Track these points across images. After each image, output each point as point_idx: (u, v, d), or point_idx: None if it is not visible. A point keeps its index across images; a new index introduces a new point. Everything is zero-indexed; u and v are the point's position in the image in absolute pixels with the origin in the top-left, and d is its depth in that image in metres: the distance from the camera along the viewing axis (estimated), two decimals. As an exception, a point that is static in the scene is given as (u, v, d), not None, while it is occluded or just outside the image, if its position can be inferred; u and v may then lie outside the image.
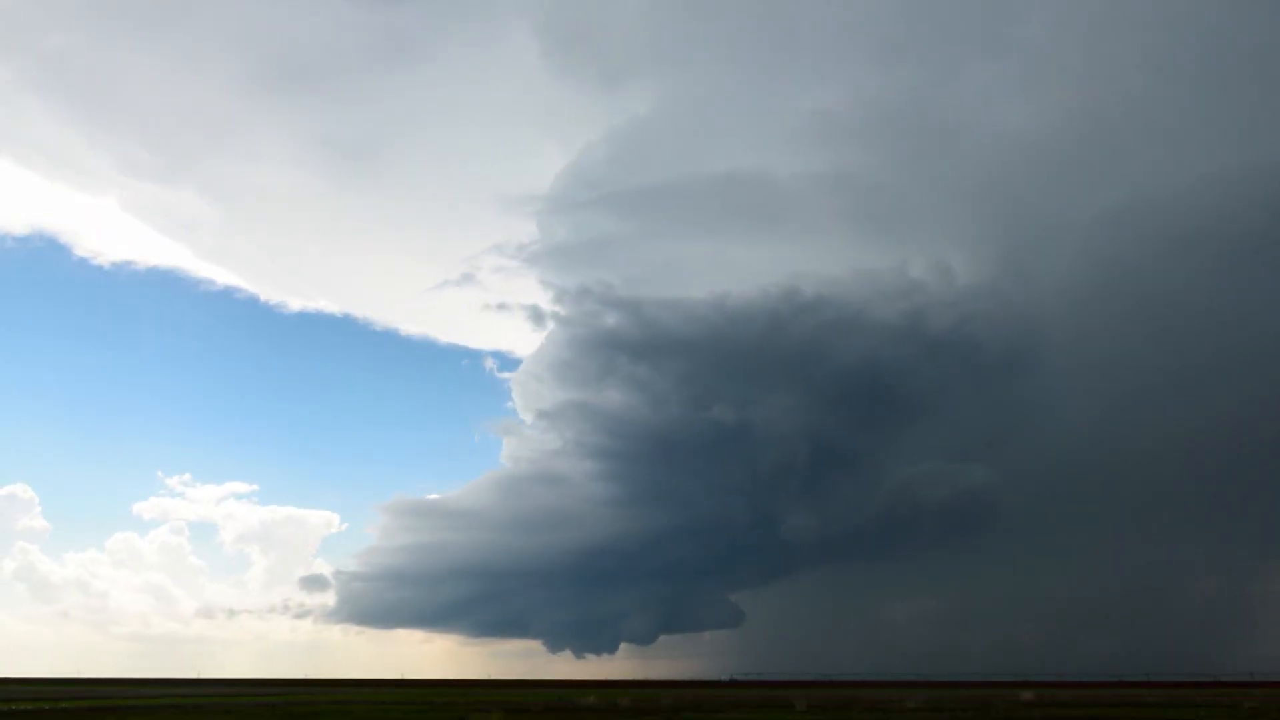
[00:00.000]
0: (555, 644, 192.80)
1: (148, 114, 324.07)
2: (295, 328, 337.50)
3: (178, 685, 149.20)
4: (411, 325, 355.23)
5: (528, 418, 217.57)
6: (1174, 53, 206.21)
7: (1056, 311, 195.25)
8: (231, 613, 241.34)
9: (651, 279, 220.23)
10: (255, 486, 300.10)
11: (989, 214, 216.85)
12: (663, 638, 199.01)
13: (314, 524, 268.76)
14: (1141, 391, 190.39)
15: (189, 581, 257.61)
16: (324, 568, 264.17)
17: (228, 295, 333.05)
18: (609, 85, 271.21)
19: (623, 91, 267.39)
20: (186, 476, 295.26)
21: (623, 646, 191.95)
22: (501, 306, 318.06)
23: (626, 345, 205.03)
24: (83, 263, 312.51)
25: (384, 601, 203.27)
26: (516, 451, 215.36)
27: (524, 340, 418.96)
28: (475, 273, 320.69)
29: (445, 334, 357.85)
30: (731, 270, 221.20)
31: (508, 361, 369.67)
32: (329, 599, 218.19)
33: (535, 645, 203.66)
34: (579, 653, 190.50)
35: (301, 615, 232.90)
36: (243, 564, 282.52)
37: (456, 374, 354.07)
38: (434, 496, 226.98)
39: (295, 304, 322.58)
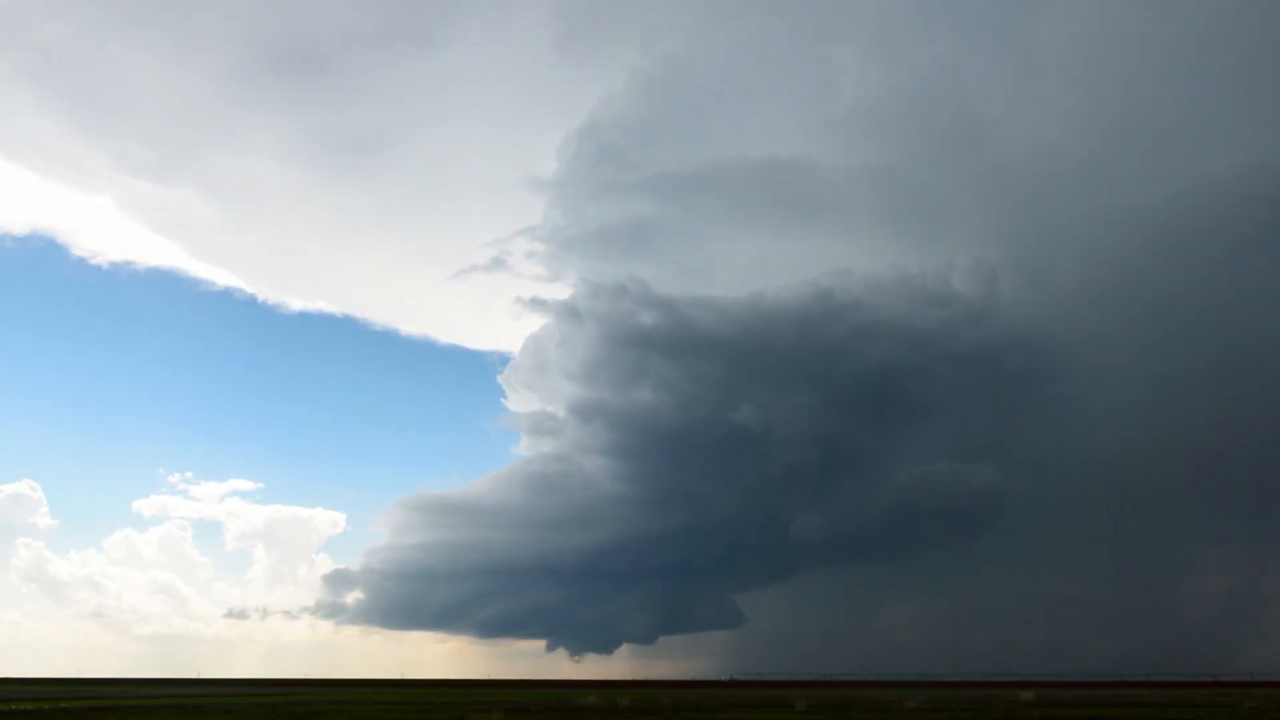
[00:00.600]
0: (558, 644, 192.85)
1: (144, 108, 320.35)
2: (296, 327, 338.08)
3: (178, 685, 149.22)
4: (412, 325, 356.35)
5: (531, 416, 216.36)
6: (1202, 51, 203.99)
7: (1065, 312, 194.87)
8: (236, 612, 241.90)
9: (681, 272, 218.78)
10: (261, 485, 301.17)
11: (1012, 215, 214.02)
12: (664, 638, 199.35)
13: (319, 523, 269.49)
14: (1150, 390, 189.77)
15: (194, 581, 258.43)
16: (330, 567, 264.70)
17: (227, 295, 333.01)
18: (633, 71, 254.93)
19: (647, 75, 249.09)
20: (189, 475, 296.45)
21: (624, 646, 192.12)
22: (521, 300, 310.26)
23: (648, 342, 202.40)
24: (81, 262, 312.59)
25: (389, 601, 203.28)
26: (524, 450, 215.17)
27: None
28: (476, 270, 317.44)
29: (446, 333, 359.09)
30: (766, 265, 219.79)
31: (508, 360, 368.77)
32: (334, 599, 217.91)
33: (537, 645, 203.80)
34: (581, 652, 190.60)
35: (301, 615, 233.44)
36: (247, 563, 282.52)
37: (458, 374, 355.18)
38: (440, 494, 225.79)
39: (295, 304, 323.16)
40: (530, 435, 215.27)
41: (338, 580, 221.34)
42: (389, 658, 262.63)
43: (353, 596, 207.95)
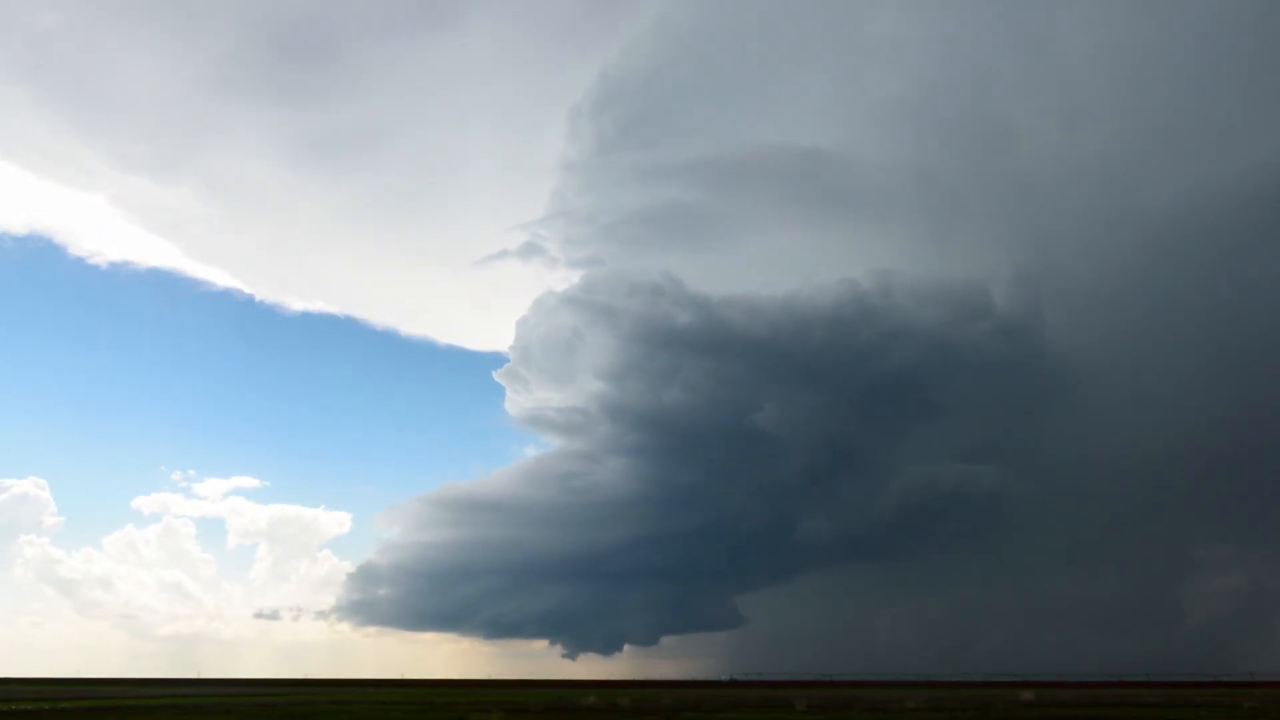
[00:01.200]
0: (562, 644, 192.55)
1: (139, 103, 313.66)
2: (296, 327, 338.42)
3: (178, 685, 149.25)
4: (412, 325, 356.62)
5: (536, 414, 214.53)
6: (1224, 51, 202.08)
7: (1075, 314, 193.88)
8: (241, 612, 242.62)
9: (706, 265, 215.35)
10: (266, 484, 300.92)
11: (1040, 218, 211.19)
12: (666, 638, 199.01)
13: (323, 523, 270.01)
14: (1158, 390, 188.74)
15: (200, 580, 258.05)
16: (334, 567, 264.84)
17: (227, 295, 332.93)
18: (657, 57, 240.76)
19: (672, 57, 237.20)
20: (193, 474, 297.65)
21: (626, 647, 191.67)
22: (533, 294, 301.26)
23: (676, 342, 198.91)
24: (79, 262, 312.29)
25: (391, 602, 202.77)
26: (532, 448, 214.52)
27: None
28: (478, 267, 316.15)
29: (446, 333, 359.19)
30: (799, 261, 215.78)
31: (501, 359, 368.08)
32: (339, 599, 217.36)
33: (541, 645, 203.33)
34: (585, 652, 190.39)
35: (305, 615, 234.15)
36: (250, 562, 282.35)
37: (459, 373, 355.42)
38: (442, 493, 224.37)
39: (296, 304, 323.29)
40: (540, 433, 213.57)
41: (341, 580, 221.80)
42: (392, 658, 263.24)
43: (356, 596, 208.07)
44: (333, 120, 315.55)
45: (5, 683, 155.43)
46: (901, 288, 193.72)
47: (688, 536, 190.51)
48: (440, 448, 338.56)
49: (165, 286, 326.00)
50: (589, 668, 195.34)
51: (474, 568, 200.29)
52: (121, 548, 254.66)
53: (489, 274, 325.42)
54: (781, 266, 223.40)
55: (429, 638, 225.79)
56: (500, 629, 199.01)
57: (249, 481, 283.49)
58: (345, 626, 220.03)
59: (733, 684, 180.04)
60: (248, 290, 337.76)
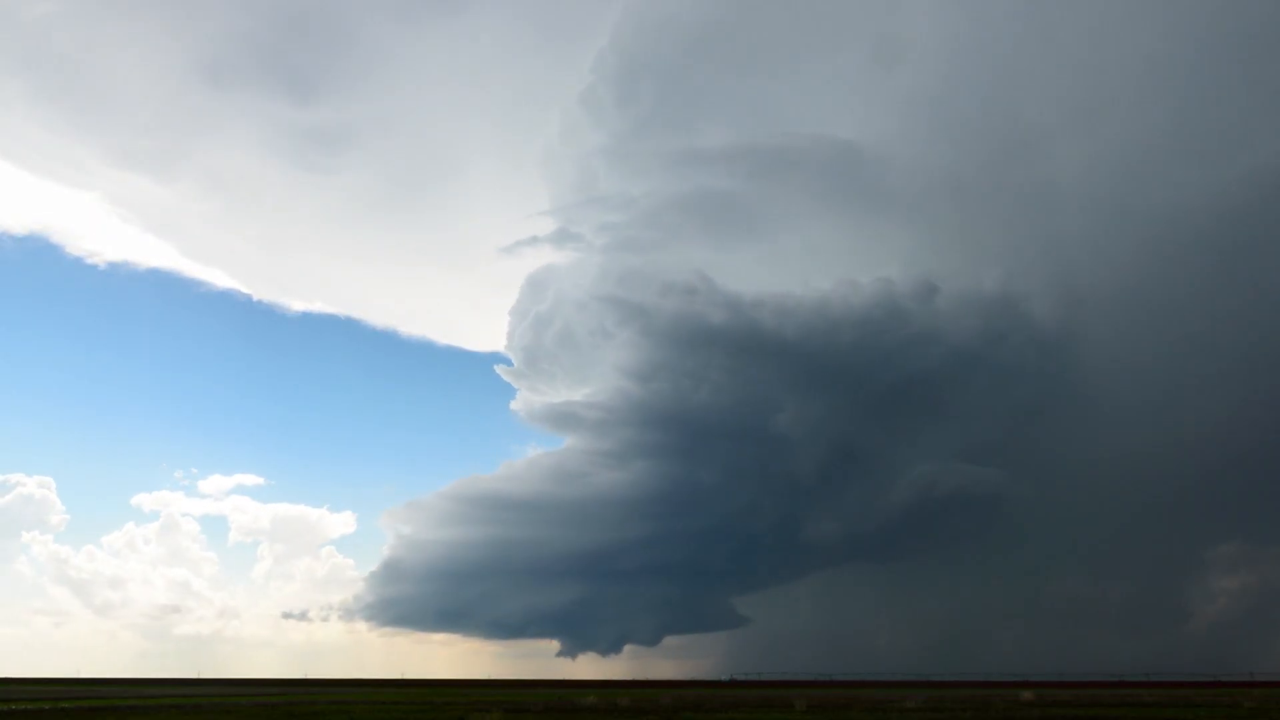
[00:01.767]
0: (566, 644, 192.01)
1: (133, 98, 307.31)
2: (297, 328, 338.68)
3: (178, 685, 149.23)
4: (412, 325, 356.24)
5: (546, 409, 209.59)
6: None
7: (1087, 314, 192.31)
8: (246, 612, 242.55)
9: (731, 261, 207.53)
10: (270, 482, 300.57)
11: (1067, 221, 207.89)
12: (669, 638, 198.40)
13: (327, 523, 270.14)
14: (1166, 390, 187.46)
15: (205, 580, 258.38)
16: (338, 566, 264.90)
17: (227, 296, 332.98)
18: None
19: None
20: (196, 473, 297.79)
21: (629, 647, 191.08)
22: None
23: (703, 340, 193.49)
24: (78, 262, 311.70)
25: (399, 602, 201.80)
26: (539, 446, 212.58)
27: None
28: (482, 265, 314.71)
29: (447, 333, 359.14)
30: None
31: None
32: (345, 599, 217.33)
33: (546, 645, 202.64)
34: (588, 652, 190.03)
35: (311, 616, 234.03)
36: (255, 561, 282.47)
37: (460, 374, 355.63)
38: (445, 492, 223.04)
39: (297, 304, 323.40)
40: (547, 430, 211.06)
41: (344, 580, 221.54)
42: (398, 658, 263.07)
43: (365, 597, 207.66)
44: (330, 115, 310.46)
45: (5, 683, 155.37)
46: (933, 290, 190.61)
47: (693, 536, 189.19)
48: (440, 448, 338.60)
49: (164, 287, 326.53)
50: (591, 667, 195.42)
51: (479, 567, 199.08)
52: (123, 546, 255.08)
53: (488, 273, 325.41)
54: (815, 262, 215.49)
55: (435, 638, 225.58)
56: (505, 629, 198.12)
57: (251, 480, 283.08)
58: (351, 626, 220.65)
59: (733, 684, 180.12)
60: (246, 290, 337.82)
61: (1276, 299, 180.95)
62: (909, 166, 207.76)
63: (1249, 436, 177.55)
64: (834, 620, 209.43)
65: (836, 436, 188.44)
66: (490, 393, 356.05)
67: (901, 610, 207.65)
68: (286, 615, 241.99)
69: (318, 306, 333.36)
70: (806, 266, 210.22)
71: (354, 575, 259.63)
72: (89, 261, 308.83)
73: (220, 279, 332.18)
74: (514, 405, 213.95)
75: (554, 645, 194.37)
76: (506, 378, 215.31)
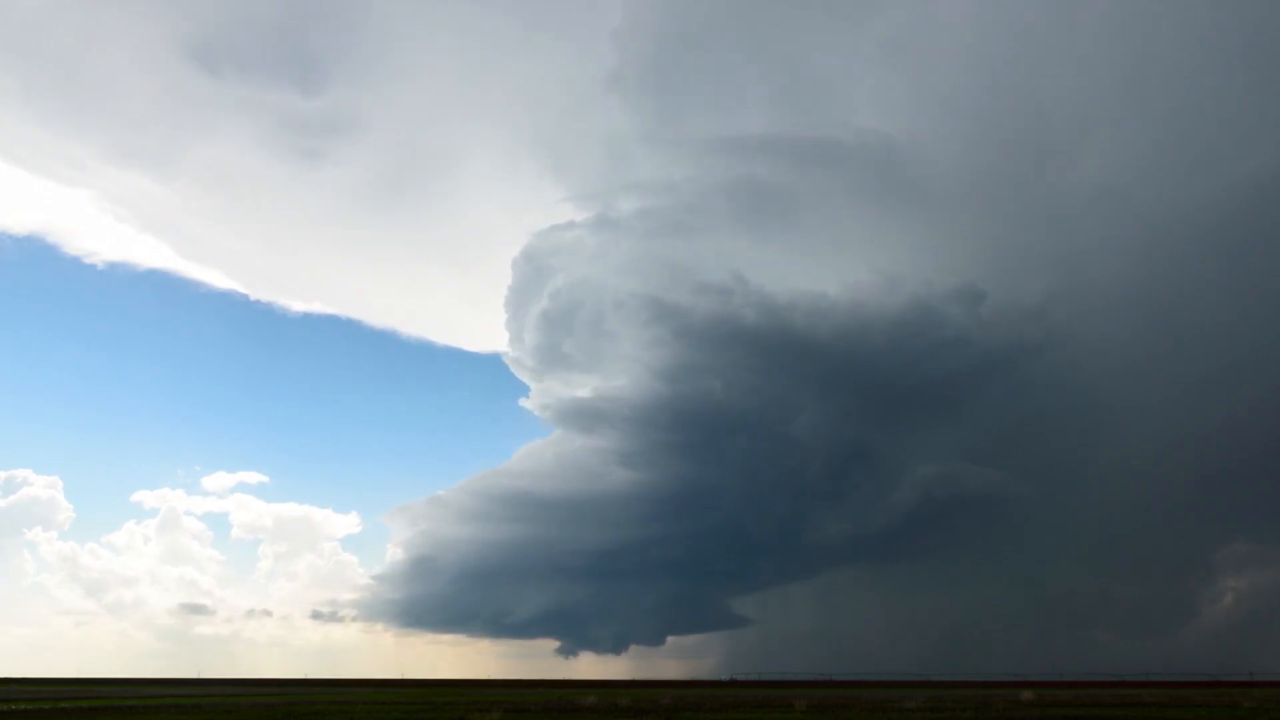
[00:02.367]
0: (569, 644, 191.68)
1: (129, 93, 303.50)
2: (298, 328, 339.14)
3: (178, 685, 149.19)
4: (411, 325, 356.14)
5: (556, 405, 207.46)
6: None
7: (1093, 308, 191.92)
8: (248, 611, 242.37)
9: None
10: (275, 482, 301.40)
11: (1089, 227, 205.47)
12: (671, 638, 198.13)
13: (335, 525, 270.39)
14: (1172, 391, 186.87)
15: (208, 579, 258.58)
16: (344, 567, 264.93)
17: (226, 297, 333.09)
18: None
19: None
20: (201, 474, 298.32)
21: (632, 646, 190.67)
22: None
23: (727, 339, 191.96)
24: (75, 261, 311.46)
25: (400, 602, 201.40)
26: (537, 446, 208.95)
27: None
28: (483, 264, 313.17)
29: (448, 334, 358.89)
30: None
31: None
32: (350, 599, 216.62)
33: (547, 645, 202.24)
34: (590, 652, 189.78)
35: (312, 616, 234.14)
36: (260, 561, 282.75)
37: (462, 374, 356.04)
38: (449, 492, 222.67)
39: (297, 305, 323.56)
40: (557, 426, 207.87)
41: (347, 580, 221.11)
42: (397, 658, 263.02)
43: (370, 598, 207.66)
44: (329, 109, 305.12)
45: (5, 683, 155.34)
46: (960, 294, 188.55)
47: (698, 536, 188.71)
48: (442, 448, 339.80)
49: (163, 287, 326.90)
50: (593, 667, 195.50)
51: (483, 567, 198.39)
52: (125, 544, 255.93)
53: (488, 271, 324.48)
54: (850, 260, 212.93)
55: (439, 638, 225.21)
56: (510, 629, 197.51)
57: (254, 477, 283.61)
58: (352, 626, 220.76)
59: (733, 684, 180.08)
60: (243, 290, 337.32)
61: None
62: (938, 165, 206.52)
63: (1257, 436, 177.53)
64: (838, 620, 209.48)
65: (847, 437, 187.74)
66: (493, 391, 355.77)
67: (907, 611, 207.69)
68: (288, 615, 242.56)
69: (316, 307, 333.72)
70: (835, 262, 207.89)
71: (356, 575, 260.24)
72: (87, 261, 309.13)
73: (217, 278, 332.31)
74: (530, 402, 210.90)
75: (554, 645, 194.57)
76: (516, 370, 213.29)
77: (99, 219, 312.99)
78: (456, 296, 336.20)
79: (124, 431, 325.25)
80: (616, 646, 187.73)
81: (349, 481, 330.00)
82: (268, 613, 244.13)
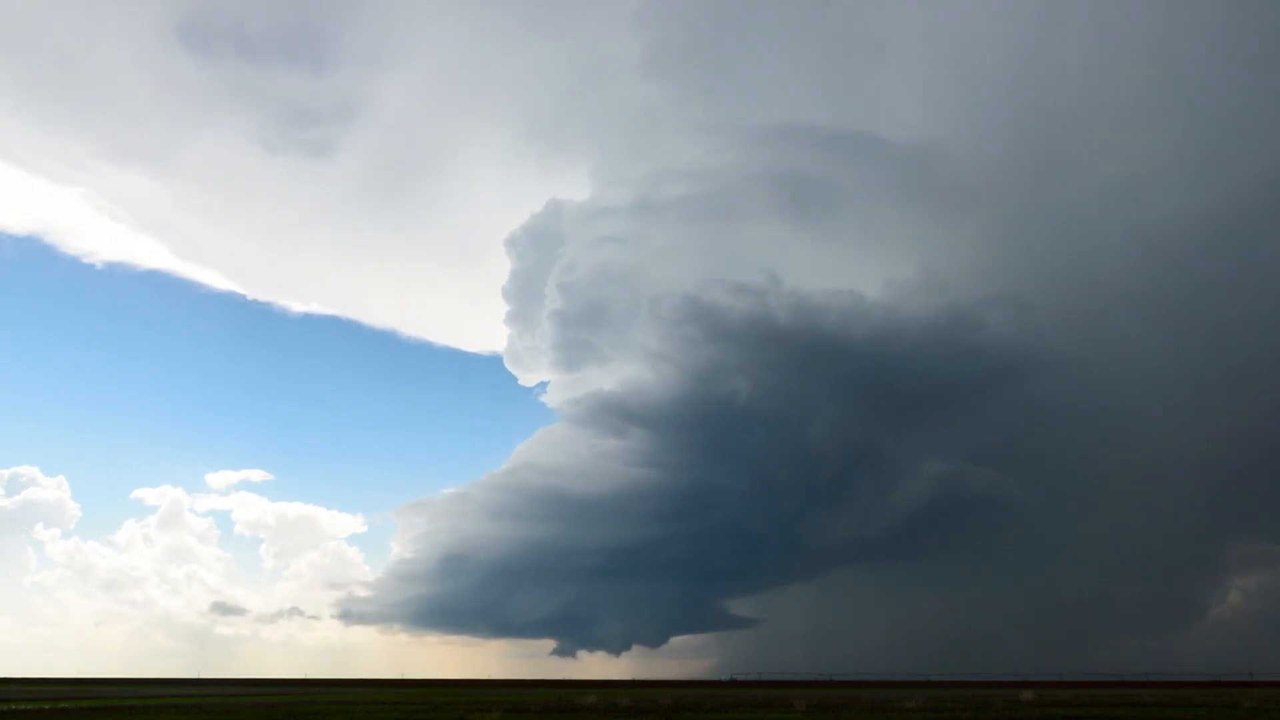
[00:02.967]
0: (566, 644, 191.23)
1: (123, 89, 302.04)
2: (298, 329, 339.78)
3: (178, 685, 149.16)
4: (410, 326, 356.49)
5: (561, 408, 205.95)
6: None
7: (1101, 319, 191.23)
8: (250, 610, 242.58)
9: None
10: (278, 482, 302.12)
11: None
12: (673, 638, 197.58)
13: (339, 525, 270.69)
14: (1176, 393, 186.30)
15: (213, 579, 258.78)
16: (349, 567, 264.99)
17: (226, 298, 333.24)
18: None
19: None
20: (205, 474, 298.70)
21: (633, 646, 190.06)
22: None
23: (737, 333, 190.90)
24: (74, 261, 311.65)
25: (401, 603, 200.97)
26: (541, 445, 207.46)
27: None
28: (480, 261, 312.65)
29: (447, 334, 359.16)
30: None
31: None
32: (356, 600, 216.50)
33: (543, 645, 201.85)
34: (593, 652, 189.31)
35: (320, 615, 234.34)
36: (264, 560, 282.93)
37: (462, 374, 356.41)
38: (451, 491, 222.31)
39: (296, 306, 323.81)
40: (573, 422, 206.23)
41: (350, 580, 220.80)
42: (398, 658, 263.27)
43: (374, 597, 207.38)
44: (326, 102, 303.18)
45: (4, 683, 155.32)
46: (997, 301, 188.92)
47: (702, 536, 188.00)
48: (442, 448, 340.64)
49: (162, 287, 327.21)
50: (595, 667, 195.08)
51: (486, 567, 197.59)
52: (127, 543, 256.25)
53: (486, 271, 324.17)
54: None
55: (440, 639, 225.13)
56: (514, 629, 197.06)
57: (257, 476, 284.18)
58: (351, 626, 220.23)
59: (733, 684, 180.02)
60: (241, 290, 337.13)
61: None
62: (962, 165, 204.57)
63: (1266, 436, 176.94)
64: (839, 621, 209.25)
65: (858, 439, 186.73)
66: (495, 390, 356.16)
67: (912, 610, 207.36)
68: (286, 615, 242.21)
69: (315, 308, 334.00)
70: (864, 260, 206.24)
71: (357, 575, 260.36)
72: (85, 261, 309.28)
73: (214, 279, 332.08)
74: (548, 397, 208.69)
75: (557, 645, 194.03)
76: (514, 365, 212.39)
77: (98, 219, 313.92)
78: (457, 296, 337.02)
79: (126, 431, 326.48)
80: (620, 646, 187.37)
81: (350, 481, 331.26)
82: (266, 612, 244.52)
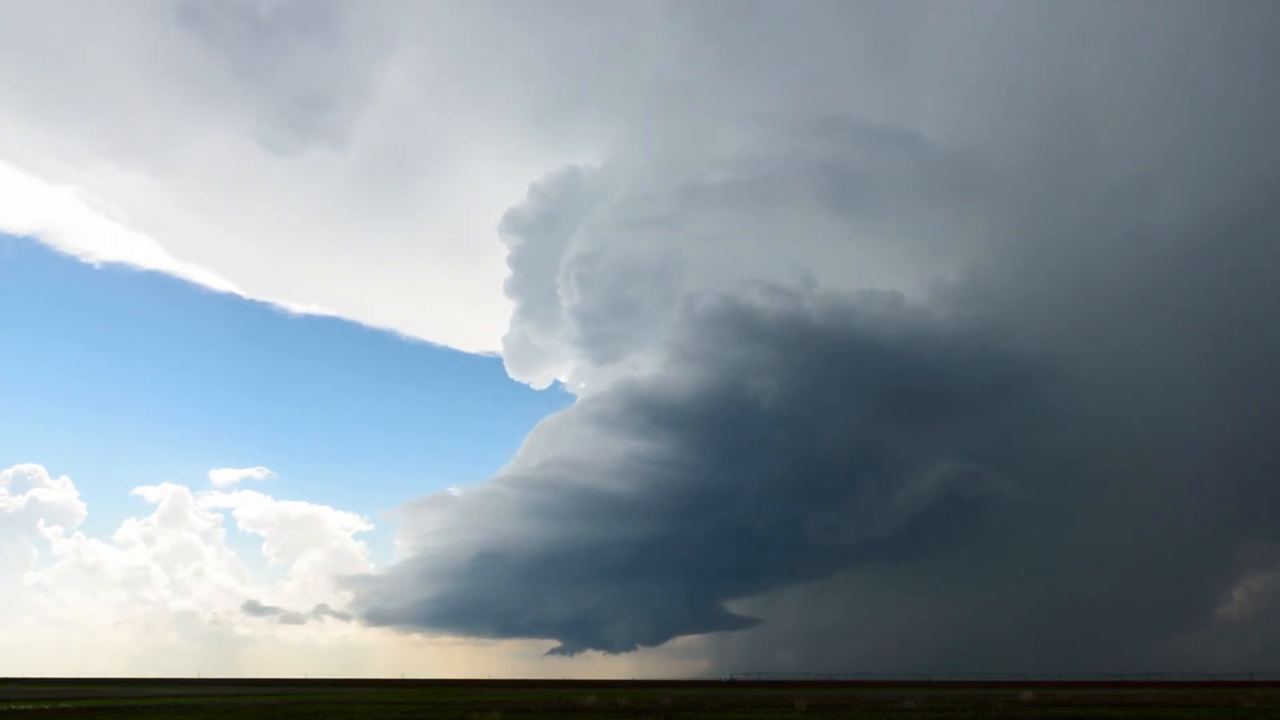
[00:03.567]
0: (568, 644, 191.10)
1: (119, 86, 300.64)
2: (299, 329, 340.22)
3: (178, 685, 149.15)
4: (412, 327, 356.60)
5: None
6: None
7: (1115, 312, 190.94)
8: (251, 610, 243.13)
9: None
10: (280, 482, 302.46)
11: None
12: (674, 638, 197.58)
13: (342, 524, 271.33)
14: (1178, 394, 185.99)
15: (215, 579, 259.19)
16: (350, 567, 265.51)
17: (227, 299, 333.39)
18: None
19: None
20: (205, 471, 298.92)
21: (638, 647, 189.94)
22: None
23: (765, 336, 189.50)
24: (72, 261, 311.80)
25: (407, 602, 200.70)
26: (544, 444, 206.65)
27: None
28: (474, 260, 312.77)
29: (448, 335, 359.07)
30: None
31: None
32: (358, 599, 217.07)
33: (545, 644, 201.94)
34: (595, 652, 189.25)
35: (318, 616, 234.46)
36: (264, 560, 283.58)
37: (464, 375, 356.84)
38: (453, 491, 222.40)
39: (299, 307, 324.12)
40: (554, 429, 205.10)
41: (357, 581, 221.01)
42: (399, 658, 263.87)
43: (376, 597, 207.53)
44: (322, 99, 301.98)
45: (4, 683, 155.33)
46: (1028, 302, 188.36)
47: (706, 536, 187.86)
48: (442, 448, 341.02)
49: (161, 288, 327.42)
50: (595, 667, 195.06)
51: (489, 567, 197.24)
52: (128, 542, 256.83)
53: (484, 270, 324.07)
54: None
55: (444, 639, 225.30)
56: (516, 629, 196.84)
57: (259, 474, 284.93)
58: (353, 626, 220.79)
59: (733, 684, 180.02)
60: (240, 291, 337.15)
61: None
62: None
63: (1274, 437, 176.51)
64: (841, 621, 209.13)
65: (868, 439, 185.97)
66: (491, 392, 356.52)
67: (916, 611, 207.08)
68: (289, 613, 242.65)
69: (315, 308, 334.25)
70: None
71: (357, 574, 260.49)
72: (84, 261, 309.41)
73: (211, 279, 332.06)
74: (575, 388, 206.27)
75: (558, 645, 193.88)
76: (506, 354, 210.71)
77: (92, 217, 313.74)
78: (457, 295, 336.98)
79: (127, 430, 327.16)
80: (621, 646, 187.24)
81: (350, 481, 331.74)
82: (267, 611, 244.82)
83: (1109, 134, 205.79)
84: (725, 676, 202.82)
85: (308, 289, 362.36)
